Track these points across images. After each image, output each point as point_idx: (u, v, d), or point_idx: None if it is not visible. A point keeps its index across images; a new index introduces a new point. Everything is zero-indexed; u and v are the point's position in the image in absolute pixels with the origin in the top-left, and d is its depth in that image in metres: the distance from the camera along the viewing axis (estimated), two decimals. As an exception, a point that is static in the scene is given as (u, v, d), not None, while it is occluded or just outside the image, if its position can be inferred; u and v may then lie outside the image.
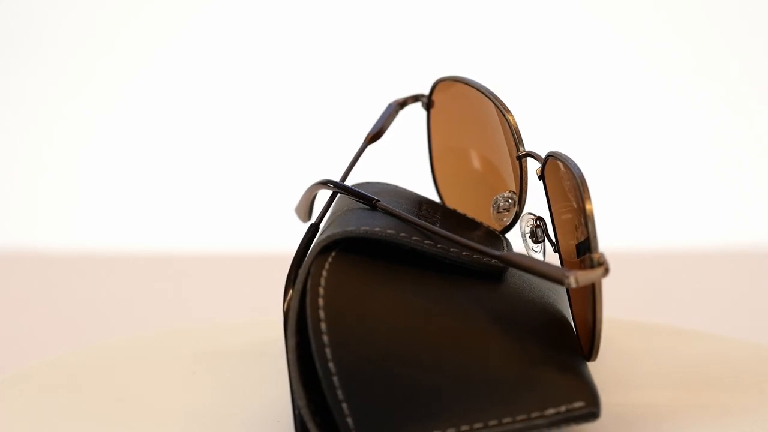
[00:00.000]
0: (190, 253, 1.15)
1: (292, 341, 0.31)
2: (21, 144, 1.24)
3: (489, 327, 0.33)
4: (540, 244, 0.39)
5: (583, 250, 0.34)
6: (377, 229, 0.34)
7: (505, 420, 0.31)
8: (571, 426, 0.31)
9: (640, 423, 0.34)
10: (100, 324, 0.88)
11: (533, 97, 1.19)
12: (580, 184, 0.33)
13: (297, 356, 0.31)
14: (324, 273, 0.33)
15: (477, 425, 0.31)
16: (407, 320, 0.33)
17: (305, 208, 0.44)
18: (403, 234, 0.35)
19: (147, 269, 1.10)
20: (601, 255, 0.32)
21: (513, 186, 0.41)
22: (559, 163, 0.36)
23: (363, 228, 0.34)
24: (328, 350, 0.31)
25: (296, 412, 0.32)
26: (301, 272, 0.33)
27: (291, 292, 0.35)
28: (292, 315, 0.32)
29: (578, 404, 0.31)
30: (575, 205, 0.35)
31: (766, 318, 0.90)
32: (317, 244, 0.34)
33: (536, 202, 0.40)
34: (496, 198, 0.41)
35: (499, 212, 0.41)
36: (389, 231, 0.34)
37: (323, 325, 0.31)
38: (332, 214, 0.39)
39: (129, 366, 0.43)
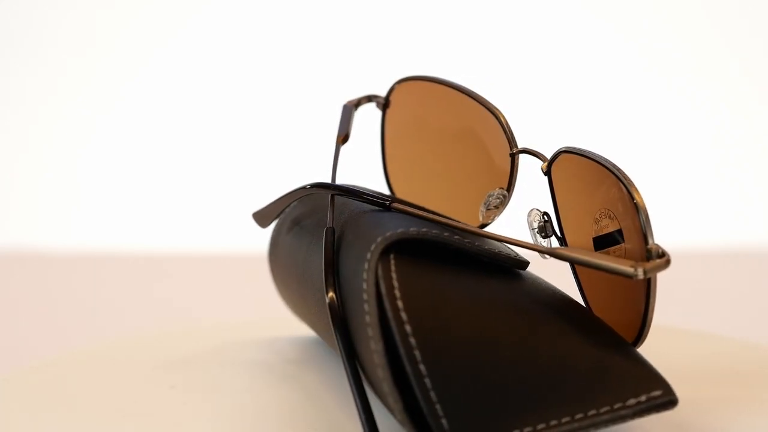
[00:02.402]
0: (190, 253, 1.15)
1: (380, 346, 0.31)
2: (21, 144, 1.25)
3: (548, 321, 0.33)
4: (548, 239, 0.39)
5: (603, 244, 0.34)
6: (424, 229, 0.34)
7: (590, 412, 0.30)
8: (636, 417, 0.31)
9: (649, 419, 0.34)
10: (99, 324, 0.88)
11: (532, 97, 1.19)
12: (623, 178, 0.33)
13: (387, 361, 0.30)
14: (393, 275, 0.32)
15: (564, 419, 0.30)
16: (481, 318, 0.32)
17: (274, 215, 0.43)
18: (446, 233, 0.34)
19: (147, 269, 1.10)
20: (659, 245, 0.32)
21: (499, 183, 0.40)
22: (580, 158, 0.35)
23: (413, 229, 0.34)
24: (417, 353, 0.30)
25: (362, 418, 0.32)
26: (368, 276, 0.32)
27: (331, 293, 0.35)
28: (374, 320, 0.31)
29: (656, 393, 0.31)
30: (607, 198, 0.34)
31: (766, 318, 0.90)
32: (377, 245, 0.33)
33: (519, 197, 0.40)
34: (488, 195, 0.41)
35: (489, 209, 0.41)
36: (434, 231, 0.34)
37: (408, 328, 0.31)
38: (340, 216, 0.38)
39: (129, 366, 0.43)
